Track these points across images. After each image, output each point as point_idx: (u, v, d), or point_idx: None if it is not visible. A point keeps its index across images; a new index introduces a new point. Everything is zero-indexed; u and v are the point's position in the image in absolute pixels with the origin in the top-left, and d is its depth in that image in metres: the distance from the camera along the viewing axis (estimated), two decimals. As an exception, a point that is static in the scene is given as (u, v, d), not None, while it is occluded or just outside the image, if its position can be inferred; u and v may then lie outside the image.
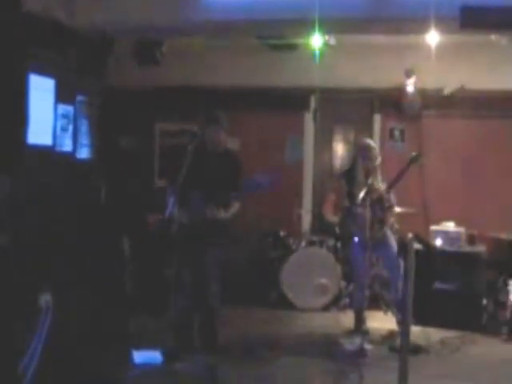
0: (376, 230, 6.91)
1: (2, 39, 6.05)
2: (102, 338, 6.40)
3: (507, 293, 7.41)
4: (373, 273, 8.54)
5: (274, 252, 8.99)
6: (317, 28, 7.13)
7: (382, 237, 7.11)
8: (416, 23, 6.86)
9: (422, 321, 7.19)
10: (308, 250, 8.73)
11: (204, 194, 6.21)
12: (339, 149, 10.25)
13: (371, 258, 8.39)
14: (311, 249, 8.74)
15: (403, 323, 5.82)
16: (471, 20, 6.32)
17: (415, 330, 6.84)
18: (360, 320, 7.31)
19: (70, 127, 6.99)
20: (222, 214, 6.26)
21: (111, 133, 8.66)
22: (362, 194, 6.83)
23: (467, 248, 8.07)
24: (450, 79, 9.04)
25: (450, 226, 8.31)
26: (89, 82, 7.28)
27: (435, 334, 7.27)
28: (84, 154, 7.28)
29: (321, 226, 9.39)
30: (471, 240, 8.20)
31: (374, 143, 7.49)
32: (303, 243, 8.88)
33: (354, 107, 10.05)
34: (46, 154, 6.49)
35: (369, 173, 7.06)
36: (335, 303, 8.49)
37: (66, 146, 6.94)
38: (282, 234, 9.05)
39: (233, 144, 9.65)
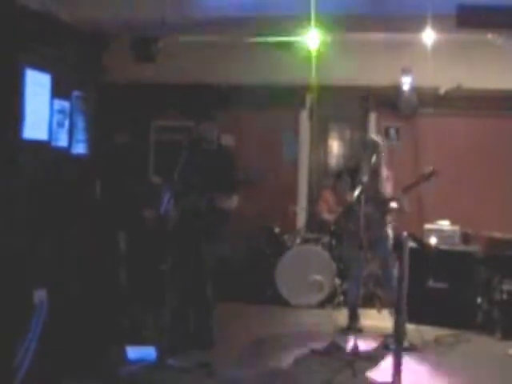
0: (374, 228, 6.89)
1: (-2, 34, 6.06)
2: (97, 334, 6.40)
3: (501, 291, 7.42)
4: (367, 271, 8.57)
5: (269, 249, 8.99)
6: (313, 26, 7.13)
7: (379, 236, 7.10)
8: (412, 21, 6.87)
9: (417, 319, 7.19)
10: (303, 247, 8.74)
11: (198, 190, 6.22)
12: (334, 147, 10.26)
13: (366, 257, 8.44)
14: (306, 246, 8.75)
15: (397, 321, 5.83)
16: (468, 19, 6.33)
17: (409, 328, 6.87)
18: (354, 317, 7.33)
19: (66, 122, 6.98)
20: (229, 204, 6.29)
21: (107, 128, 8.65)
22: (356, 192, 6.80)
23: (462, 247, 8.09)
24: (446, 78, 9.05)
25: (444, 224, 8.32)
26: (85, 78, 7.28)
27: (429, 333, 7.27)
28: (80, 149, 7.28)
29: (315, 223, 9.41)
30: (466, 239, 8.23)
31: (379, 139, 7.39)
32: (298, 240, 8.88)
33: (349, 105, 10.05)
34: (41, 148, 6.48)
35: (373, 170, 7.04)
36: (330, 300, 8.48)
37: (62, 141, 6.94)
38: (276, 230, 9.05)
39: (228, 141, 9.67)
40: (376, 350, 6.72)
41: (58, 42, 6.68)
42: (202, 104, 9.23)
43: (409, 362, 6.04)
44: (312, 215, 9.64)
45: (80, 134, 7.25)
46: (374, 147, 7.14)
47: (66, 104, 6.97)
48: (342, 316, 7.97)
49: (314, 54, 8.25)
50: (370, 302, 8.35)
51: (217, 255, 6.52)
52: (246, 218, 9.21)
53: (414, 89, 9.21)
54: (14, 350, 5.30)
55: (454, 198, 8.84)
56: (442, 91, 9.22)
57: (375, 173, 7.05)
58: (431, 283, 7.78)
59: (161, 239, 6.47)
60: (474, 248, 8.05)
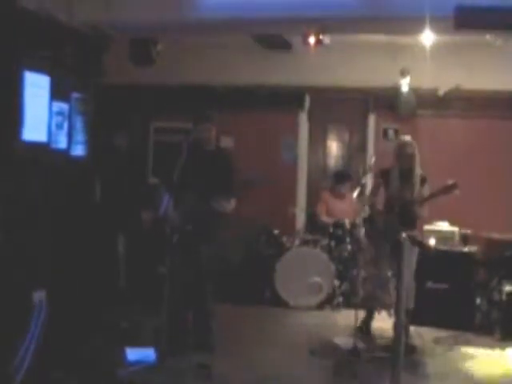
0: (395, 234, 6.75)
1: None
2: (96, 336, 6.41)
3: (500, 292, 7.43)
4: (366, 273, 8.58)
5: (268, 250, 8.99)
6: (312, 27, 7.13)
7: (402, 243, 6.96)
8: (411, 23, 6.88)
9: (416, 320, 7.19)
10: (302, 248, 8.74)
11: (197, 192, 6.23)
12: (333, 148, 10.27)
13: (364, 258, 8.45)
14: (305, 247, 8.75)
15: (397, 323, 5.83)
16: (466, 20, 6.33)
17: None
18: (369, 319, 7.31)
19: (65, 124, 6.98)
20: (227, 206, 6.30)
21: (106, 130, 8.65)
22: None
23: (461, 248, 8.09)
24: (445, 79, 9.07)
25: (443, 225, 8.32)
26: (84, 80, 7.28)
27: (428, 334, 7.28)
28: (79, 151, 7.27)
29: (314, 225, 9.42)
30: (465, 240, 8.22)
31: (411, 141, 7.12)
32: (297, 242, 8.89)
33: (348, 107, 10.07)
34: (40, 150, 6.48)
35: (404, 173, 6.98)
36: (329, 302, 8.49)
37: (61, 143, 6.93)
38: (275, 232, 9.05)
39: (227, 143, 9.69)
40: (376, 351, 6.72)
41: (56, 44, 6.69)
42: (201, 106, 9.23)
43: (408, 364, 6.04)
44: (311, 217, 9.65)
45: (79, 136, 7.25)
46: (402, 149, 7.06)
47: (65, 106, 6.97)
48: (341, 317, 8.00)
49: (312, 56, 8.25)
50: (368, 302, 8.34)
51: (215, 257, 6.52)
52: (245, 219, 9.21)
53: (413, 90, 9.22)
54: (13, 351, 5.30)
55: (453, 198, 8.82)
56: (440, 93, 9.23)
57: (408, 175, 7.02)
58: (430, 284, 7.77)
59: (160, 241, 6.46)
60: (473, 249, 8.05)
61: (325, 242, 8.76)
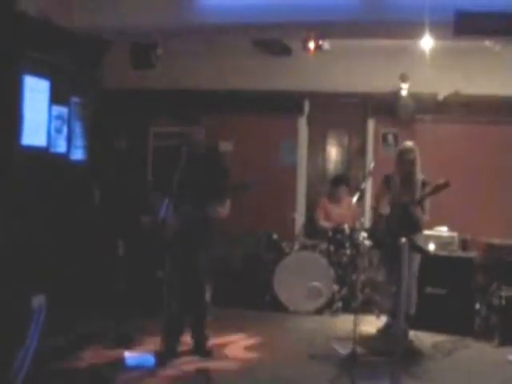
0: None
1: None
2: (95, 341, 6.40)
3: (500, 297, 7.42)
4: (365, 277, 8.58)
5: (268, 255, 8.98)
6: (311, 32, 7.14)
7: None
8: (410, 28, 6.88)
9: (415, 325, 7.19)
10: (301, 253, 8.73)
11: (192, 196, 6.25)
12: (333, 153, 10.27)
13: (363, 262, 8.46)
14: (304, 252, 8.74)
15: (397, 327, 5.83)
16: (465, 25, 6.35)
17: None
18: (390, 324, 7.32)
19: (64, 129, 6.99)
20: (221, 211, 6.31)
21: (105, 135, 8.66)
22: (387, 209, 6.89)
23: (460, 253, 8.09)
24: (444, 84, 9.07)
25: (443, 230, 8.32)
26: (83, 84, 7.29)
27: (427, 338, 7.28)
28: (78, 155, 7.28)
29: (314, 229, 9.42)
30: (464, 245, 8.23)
31: (412, 146, 7.20)
32: (296, 246, 8.88)
33: (347, 111, 10.07)
34: (40, 155, 6.48)
35: (405, 178, 7.00)
36: (328, 307, 8.49)
37: (60, 147, 6.94)
38: (275, 237, 9.04)
39: (227, 147, 9.70)
40: (374, 355, 6.71)
41: (56, 49, 6.69)
42: (201, 110, 9.24)
43: (407, 368, 6.04)
44: (310, 221, 9.65)
45: (78, 140, 7.26)
46: (403, 154, 7.08)
47: (64, 110, 6.98)
48: (340, 322, 7.99)
49: (312, 60, 8.26)
50: (367, 307, 8.35)
51: (210, 260, 6.55)
52: (245, 224, 9.24)
53: (412, 95, 9.23)
54: (13, 355, 5.30)
55: (453, 204, 8.83)
56: (439, 97, 9.23)
57: (409, 181, 7.03)
58: (430, 289, 7.77)
59: (159, 245, 6.47)
60: (472, 254, 8.05)
61: (324, 246, 8.75)
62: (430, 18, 6.32)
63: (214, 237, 6.49)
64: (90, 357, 6.19)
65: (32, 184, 6.31)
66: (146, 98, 9.83)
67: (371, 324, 7.83)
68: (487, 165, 9.15)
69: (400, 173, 7.06)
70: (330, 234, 8.82)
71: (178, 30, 7.53)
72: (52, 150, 6.75)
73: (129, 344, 6.47)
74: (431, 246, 8.03)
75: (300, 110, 10.04)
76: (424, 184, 7.01)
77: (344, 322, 7.82)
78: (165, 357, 6.07)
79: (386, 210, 7.12)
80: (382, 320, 7.80)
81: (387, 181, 7.23)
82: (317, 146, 10.23)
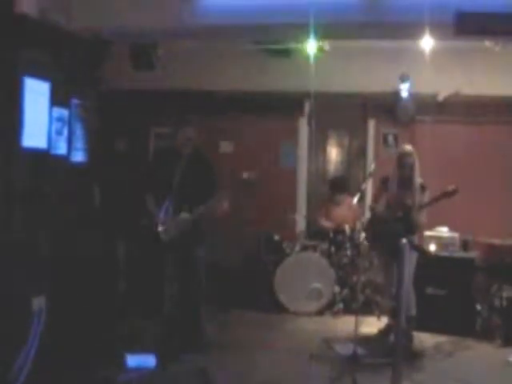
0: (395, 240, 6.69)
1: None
2: (96, 342, 6.39)
3: (501, 298, 7.42)
4: (366, 278, 8.58)
5: (268, 256, 8.98)
6: (312, 33, 7.13)
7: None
8: (410, 28, 6.87)
9: (416, 326, 7.18)
10: (302, 254, 8.73)
11: (179, 197, 6.31)
12: (333, 154, 10.27)
13: (364, 263, 8.46)
14: (305, 253, 8.74)
15: (397, 328, 5.83)
16: (466, 26, 6.33)
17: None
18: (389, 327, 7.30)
19: (65, 130, 6.97)
20: (217, 209, 6.36)
21: (106, 136, 8.64)
22: (381, 207, 6.89)
23: (461, 253, 8.08)
24: (445, 85, 9.07)
25: (443, 231, 8.31)
26: (84, 86, 7.27)
27: (429, 340, 7.28)
28: (79, 157, 7.26)
29: (314, 230, 9.42)
30: (465, 245, 8.21)
31: (411, 150, 7.17)
32: (297, 247, 8.87)
33: (348, 112, 10.07)
34: (40, 157, 6.47)
35: (404, 182, 7.01)
36: (329, 308, 8.49)
37: (61, 149, 6.92)
38: (276, 238, 9.04)
39: (227, 147, 9.70)
40: (375, 356, 6.70)
41: (56, 50, 6.67)
42: (201, 111, 9.25)
43: (408, 369, 6.03)
44: (311, 222, 9.65)
45: (79, 142, 7.23)
46: (402, 158, 7.08)
47: (64, 112, 6.96)
48: (341, 323, 7.99)
49: (312, 61, 8.26)
50: (369, 308, 8.35)
51: (205, 259, 6.62)
52: (245, 224, 9.24)
53: (413, 95, 9.22)
54: (13, 356, 5.30)
55: (453, 204, 8.81)
56: (440, 98, 9.23)
57: (407, 183, 7.04)
58: (431, 290, 7.77)
59: (158, 247, 6.48)
60: (473, 255, 8.05)
61: (325, 247, 8.75)
62: (430, 19, 6.30)
63: (204, 236, 6.56)
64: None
65: (32, 186, 6.30)
66: (147, 99, 9.83)
67: (372, 325, 7.83)
68: (488, 165, 9.15)
69: (399, 176, 7.08)
70: (331, 234, 8.82)
71: (178, 31, 7.51)
72: (53, 151, 6.74)
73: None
74: (432, 247, 8.03)
75: (300, 111, 10.04)
76: (423, 188, 7.02)
77: (345, 323, 7.83)
78: (166, 357, 6.07)
79: (380, 209, 7.14)
80: (383, 321, 7.80)
81: (384, 182, 7.25)
82: (317, 147, 10.22)
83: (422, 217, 7.03)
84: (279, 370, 6.24)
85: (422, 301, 7.27)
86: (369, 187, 8.84)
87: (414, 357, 6.64)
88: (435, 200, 6.78)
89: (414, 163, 7.06)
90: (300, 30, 7.13)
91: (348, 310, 8.35)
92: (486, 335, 7.44)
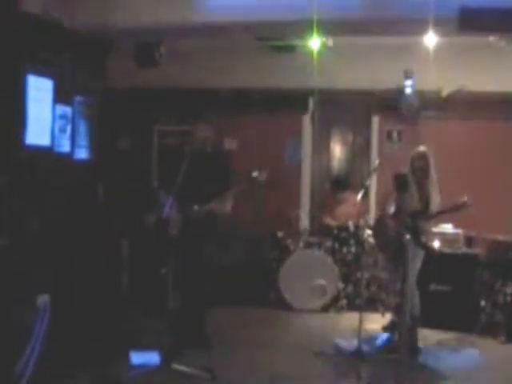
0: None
1: (0, 40, 6.06)
2: (100, 339, 6.40)
3: (505, 294, 7.41)
4: (370, 274, 8.57)
5: (272, 253, 8.98)
6: (315, 30, 7.13)
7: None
8: (414, 25, 6.87)
9: (420, 322, 7.17)
10: (306, 251, 8.73)
11: (194, 193, 6.30)
12: (337, 150, 10.26)
13: (368, 260, 8.45)
14: (309, 250, 8.73)
15: (401, 325, 5.82)
16: (469, 22, 6.33)
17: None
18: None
19: (68, 128, 6.98)
20: (223, 208, 6.36)
21: (109, 133, 8.65)
22: (392, 208, 6.83)
23: (465, 250, 8.08)
24: (448, 81, 9.05)
25: (447, 227, 8.30)
26: (87, 83, 7.28)
27: (432, 336, 7.27)
28: (82, 154, 7.28)
29: (318, 227, 9.42)
30: (469, 242, 8.21)
31: (423, 152, 6.92)
32: (301, 244, 8.87)
33: (352, 109, 10.07)
34: (44, 154, 6.48)
35: (421, 184, 6.82)
36: (333, 304, 8.49)
37: (64, 146, 6.93)
38: (280, 235, 9.04)
39: (231, 145, 9.69)
40: (380, 352, 6.70)
41: (60, 48, 6.69)
42: (206, 108, 9.24)
43: (412, 366, 6.03)
44: (315, 219, 9.64)
45: (82, 140, 7.25)
46: (417, 160, 6.93)
47: (68, 109, 6.97)
48: (345, 320, 7.99)
49: (316, 58, 8.25)
50: (372, 305, 8.34)
51: (215, 257, 6.60)
52: (250, 222, 9.24)
53: (416, 92, 9.21)
54: (18, 354, 5.30)
55: (457, 200, 8.80)
56: (444, 94, 9.22)
57: (424, 187, 6.88)
58: (434, 286, 7.76)
59: (162, 243, 6.48)
60: (477, 251, 8.05)
61: (329, 244, 8.75)
62: (434, 15, 6.30)
63: (216, 233, 6.53)
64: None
65: (36, 184, 6.31)
66: (150, 97, 9.83)
67: (376, 321, 7.83)
68: (492, 161, 9.14)
69: (413, 179, 6.88)
70: (335, 231, 8.81)
71: (181, 28, 7.52)
72: (56, 149, 6.75)
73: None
74: (436, 243, 8.02)
75: (304, 108, 10.03)
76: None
77: (349, 320, 7.82)
78: (170, 354, 6.07)
79: (391, 209, 7.08)
80: (387, 317, 7.79)
81: (397, 180, 7.07)
82: (321, 144, 10.21)
83: (430, 225, 6.97)
84: (283, 367, 6.24)
85: (425, 297, 7.26)
86: (373, 184, 8.84)
87: (418, 353, 6.63)
88: (444, 212, 6.72)
89: (427, 166, 6.84)
90: (303, 26, 7.13)
91: (352, 307, 8.34)
92: (489, 331, 7.44)
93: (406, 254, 5.86)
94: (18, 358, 5.28)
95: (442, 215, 6.79)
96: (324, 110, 9.90)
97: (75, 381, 5.59)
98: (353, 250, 8.65)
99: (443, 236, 8.13)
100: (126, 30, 7.44)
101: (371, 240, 8.26)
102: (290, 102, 9.90)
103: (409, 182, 6.81)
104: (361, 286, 7.80)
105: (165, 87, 9.69)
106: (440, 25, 6.65)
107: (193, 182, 6.27)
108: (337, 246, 8.73)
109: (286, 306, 8.49)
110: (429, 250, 7.18)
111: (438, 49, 7.64)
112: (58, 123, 6.77)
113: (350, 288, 8.58)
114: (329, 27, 7.21)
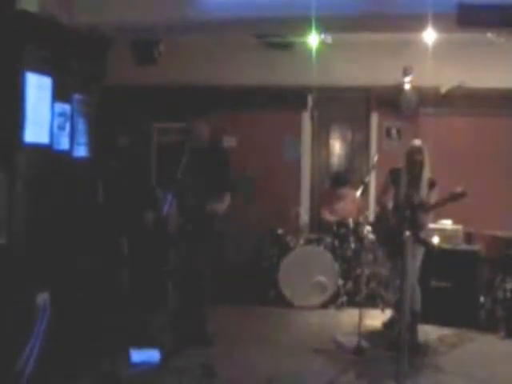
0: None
1: (-1, 37, 6.05)
2: (100, 337, 6.41)
3: (504, 290, 7.42)
4: (370, 271, 8.58)
5: (272, 250, 8.98)
6: (314, 26, 7.12)
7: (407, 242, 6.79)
8: (413, 21, 6.85)
9: (420, 318, 7.18)
10: (306, 247, 8.73)
11: (194, 191, 6.29)
12: (336, 147, 10.26)
13: (368, 256, 8.46)
14: (309, 247, 8.74)
15: (401, 321, 5.83)
16: (468, 18, 6.31)
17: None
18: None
19: (67, 126, 6.96)
20: (220, 207, 6.37)
21: (109, 131, 8.64)
22: (391, 203, 6.87)
23: (464, 246, 8.09)
24: (447, 77, 9.05)
25: (447, 223, 8.31)
26: (86, 81, 7.26)
27: (432, 332, 7.28)
28: (81, 152, 7.25)
29: (318, 224, 9.43)
30: (468, 238, 8.22)
31: (420, 145, 6.95)
32: (301, 241, 8.87)
33: (351, 106, 10.07)
34: (43, 152, 6.47)
35: (413, 178, 6.87)
36: (333, 301, 8.49)
37: (63, 144, 6.91)
38: (280, 231, 9.04)
39: (230, 142, 9.69)
40: (380, 349, 6.71)
41: (58, 45, 6.66)
42: (204, 106, 9.23)
43: (412, 362, 6.03)
44: (314, 216, 9.65)
45: (81, 137, 7.22)
46: (411, 153, 6.94)
47: (66, 107, 6.95)
48: (345, 316, 8.00)
49: (314, 54, 8.25)
50: (372, 301, 8.35)
51: (211, 255, 6.60)
52: (249, 219, 9.25)
53: (415, 88, 9.21)
54: (18, 352, 5.31)
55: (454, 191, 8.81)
56: (443, 90, 9.22)
57: (416, 180, 6.91)
58: (434, 282, 7.77)
59: (162, 241, 6.49)
60: (476, 247, 8.05)
61: (329, 240, 8.75)
62: (433, 11, 6.28)
63: (213, 231, 6.53)
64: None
65: (35, 182, 6.30)
66: (149, 94, 9.83)
67: (376, 318, 7.84)
68: (491, 158, 9.15)
69: (408, 173, 6.92)
70: (335, 228, 8.82)
71: (180, 26, 7.50)
72: (55, 147, 6.73)
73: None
74: (435, 239, 8.02)
75: (303, 105, 10.03)
76: (432, 184, 6.89)
77: (349, 316, 7.84)
78: (170, 352, 6.08)
79: (389, 204, 7.10)
80: (387, 314, 7.80)
81: (393, 173, 7.11)
82: (320, 141, 10.22)
83: (428, 217, 6.97)
84: (283, 364, 6.25)
85: (425, 293, 7.27)
86: (372, 180, 8.85)
87: (418, 349, 6.64)
88: (442, 203, 6.71)
89: (424, 159, 6.87)
90: (302, 23, 7.12)
91: (352, 303, 8.35)
92: (489, 327, 7.45)
93: (404, 251, 5.87)
94: (19, 356, 5.30)
95: (441, 207, 6.76)
96: (323, 106, 9.90)
97: (75, 378, 5.60)
98: (352, 246, 8.67)
99: (442, 232, 8.14)
100: (124, 27, 7.41)
101: (371, 236, 8.28)
102: (289, 99, 9.90)
103: (405, 175, 6.87)
104: (361, 283, 7.81)
105: (164, 85, 9.69)
106: (439, 21, 6.63)
107: (192, 179, 6.28)
108: (337, 242, 8.74)
109: (286, 303, 8.49)
110: (428, 246, 7.19)
111: (437, 45, 7.64)
112: (57, 121, 6.75)
113: (349, 284, 8.59)
114: (327, 24, 7.18)
